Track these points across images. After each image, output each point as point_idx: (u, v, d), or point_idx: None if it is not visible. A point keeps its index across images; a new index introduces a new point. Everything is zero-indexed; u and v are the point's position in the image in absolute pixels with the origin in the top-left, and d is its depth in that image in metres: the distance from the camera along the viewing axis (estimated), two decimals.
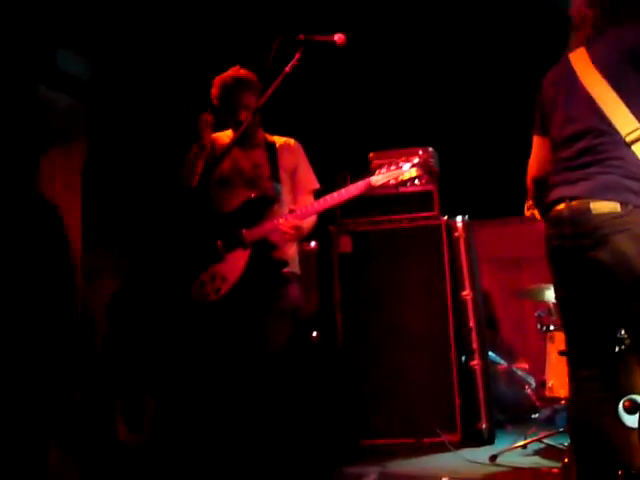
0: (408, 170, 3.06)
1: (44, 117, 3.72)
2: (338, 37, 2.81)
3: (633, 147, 2.29)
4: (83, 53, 4.00)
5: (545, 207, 2.46)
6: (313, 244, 4.46)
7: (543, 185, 2.56)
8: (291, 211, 3.14)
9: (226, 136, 3.39)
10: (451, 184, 4.49)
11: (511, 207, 4.82)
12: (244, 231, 3.14)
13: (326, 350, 4.31)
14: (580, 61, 2.45)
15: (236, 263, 3.12)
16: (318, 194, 3.33)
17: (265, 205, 3.23)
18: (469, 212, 4.33)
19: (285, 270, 3.23)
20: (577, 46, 2.48)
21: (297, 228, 3.11)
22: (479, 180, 5.11)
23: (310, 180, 3.41)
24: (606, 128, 2.33)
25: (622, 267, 2.24)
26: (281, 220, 3.11)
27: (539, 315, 4.26)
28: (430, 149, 4.16)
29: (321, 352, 4.33)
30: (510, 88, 5.01)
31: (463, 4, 4.84)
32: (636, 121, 2.30)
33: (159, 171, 4.02)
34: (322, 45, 2.81)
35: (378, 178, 3.08)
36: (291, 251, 3.30)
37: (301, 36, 2.79)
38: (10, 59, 3.63)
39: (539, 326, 4.15)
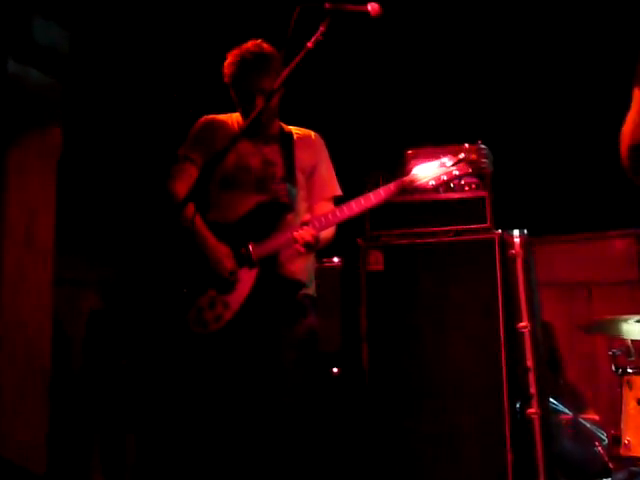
0: (452, 168, 3.04)
1: (13, 97, 3.72)
2: (372, 7, 2.78)
3: None
4: (62, 22, 3.99)
5: None
6: (336, 260, 4.43)
7: None
8: (304, 224, 3.09)
9: (233, 120, 3.34)
10: (506, 191, 4.41)
11: (580, 221, 5.08)
12: (251, 245, 3.11)
13: (349, 390, 4.26)
14: None
15: (241, 285, 3.10)
16: (339, 202, 3.29)
17: (277, 213, 3.20)
18: (528, 226, 4.23)
19: (300, 293, 3.22)
20: None
21: (314, 240, 3.08)
22: (540, 188, 5.07)
23: (331, 185, 3.39)
24: None
25: None
26: (295, 232, 3.09)
27: (614, 354, 4.10)
28: (482, 146, 3.99)
29: (343, 393, 4.28)
30: (577, 73, 5.05)
31: None
32: None
33: (148, 167, 4.02)
34: (352, 16, 2.78)
35: (414, 178, 3.06)
36: (306, 269, 3.27)
37: (327, 4, 2.74)
38: None
39: (613, 368, 4.00)
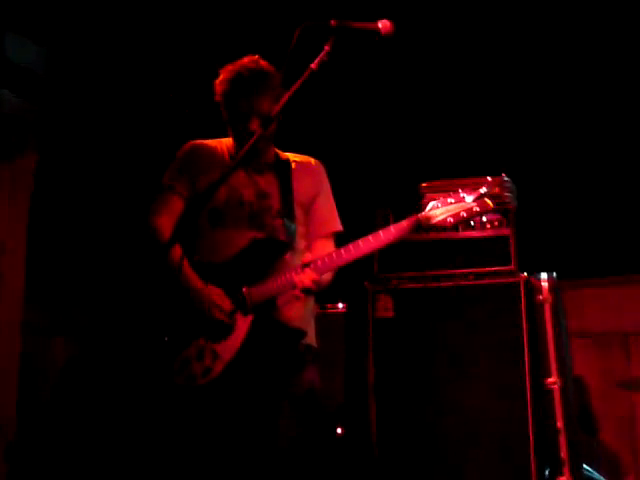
0: (472, 204, 2.97)
1: None
2: (382, 24, 2.77)
3: None
4: (38, 40, 4.06)
5: None
6: (340, 306, 4.42)
7: None
8: (305, 265, 3.04)
9: (222, 146, 3.32)
10: (532, 229, 4.44)
11: (615, 263, 5.08)
12: (245, 289, 3.06)
13: (355, 453, 4.22)
14: None
15: (234, 334, 3.05)
16: (340, 240, 3.27)
17: (274, 252, 3.14)
18: (557, 268, 4.22)
19: (300, 343, 3.18)
20: None
21: (315, 285, 3.02)
22: (570, 225, 5.08)
23: (331, 220, 3.35)
24: None
25: None
26: (295, 276, 3.03)
27: None
28: (506, 179, 4.10)
29: (348, 455, 4.24)
30: (611, 107, 5.07)
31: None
32: None
33: (130, 199, 3.96)
34: (361, 35, 2.80)
35: (431, 214, 2.99)
36: (307, 315, 3.24)
37: (333, 22, 2.74)
38: None
39: None
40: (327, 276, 3.16)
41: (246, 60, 3.18)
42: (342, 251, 3.04)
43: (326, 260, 3.04)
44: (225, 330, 3.04)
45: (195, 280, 3.08)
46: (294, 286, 3.01)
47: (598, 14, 4.92)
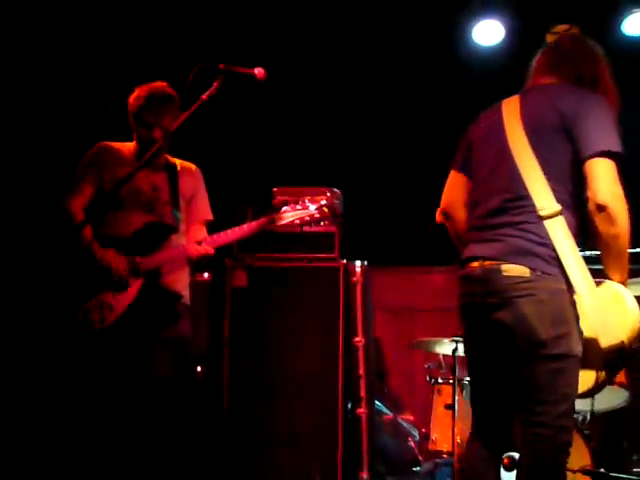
0: (314, 211, 3.44)
1: None
2: (258, 71, 3.19)
3: (545, 222, 2.59)
4: None
5: (459, 263, 2.81)
6: (206, 275, 4.77)
7: (452, 219, 2.95)
8: (201, 242, 3.49)
9: (125, 148, 3.64)
10: (353, 227, 4.89)
11: (408, 256, 5.88)
12: (138, 258, 3.46)
13: (211, 389, 4.61)
14: (510, 113, 2.76)
15: (126, 292, 3.41)
16: (211, 228, 3.66)
17: (163, 232, 3.55)
18: (368, 257, 4.72)
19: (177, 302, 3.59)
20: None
21: (205, 257, 3.46)
22: (379, 225, 5.62)
23: (206, 210, 3.75)
24: (523, 193, 2.64)
25: (521, 330, 2.59)
26: (189, 247, 3.43)
27: (429, 367, 4.84)
28: (337, 191, 4.68)
29: (206, 391, 4.66)
30: (418, 129, 5.79)
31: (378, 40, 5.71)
32: (551, 196, 2.59)
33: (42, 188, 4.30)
34: (241, 77, 3.17)
35: (283, 216, 3.45)
36: (183, 281, 3.64)
37: (221, 65, 3.12)
38: None
39: (428, 378, 4.73)
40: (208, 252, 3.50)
41: (158, 84, 3.57)
42: (223, 234, 3.49)
43: (215, 238, 3.47)
44: (123, 283, 3.36)
45: (101, 250, 3.44)
46: (188, 256, 3.42)
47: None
